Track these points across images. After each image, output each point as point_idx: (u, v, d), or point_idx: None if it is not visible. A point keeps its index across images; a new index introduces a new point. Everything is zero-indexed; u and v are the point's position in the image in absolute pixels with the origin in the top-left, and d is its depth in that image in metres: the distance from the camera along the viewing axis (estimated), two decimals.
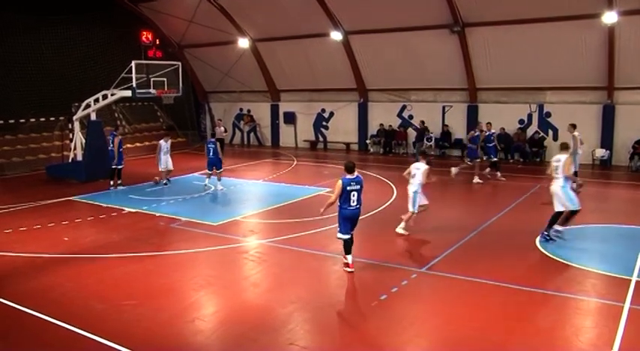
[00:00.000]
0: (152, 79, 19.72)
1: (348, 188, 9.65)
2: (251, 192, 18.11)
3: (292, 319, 8.10)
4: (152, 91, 19.64)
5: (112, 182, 18.28)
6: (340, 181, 9.66)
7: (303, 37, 26.81)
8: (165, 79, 20.16)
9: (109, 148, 18.46)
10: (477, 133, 19.46)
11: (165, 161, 18.58)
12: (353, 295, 9.14)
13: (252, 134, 31.91)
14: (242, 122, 31.99)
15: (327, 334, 7.70)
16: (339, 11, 25.08)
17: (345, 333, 7.69)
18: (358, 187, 9.76)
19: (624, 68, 21.18)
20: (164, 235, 12.90)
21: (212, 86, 32.33)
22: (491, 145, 19.37)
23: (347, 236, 9.80)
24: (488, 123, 20.04)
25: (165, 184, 18.63)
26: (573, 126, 17.67)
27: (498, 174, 19.32)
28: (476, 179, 18.85)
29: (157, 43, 29.96)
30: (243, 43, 28.34)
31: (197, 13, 27.11)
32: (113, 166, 18.23)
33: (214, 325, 7.94)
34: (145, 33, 29.17)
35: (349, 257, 9.81)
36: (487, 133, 19.41)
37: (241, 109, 32.22)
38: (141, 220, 14.14)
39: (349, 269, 9.77)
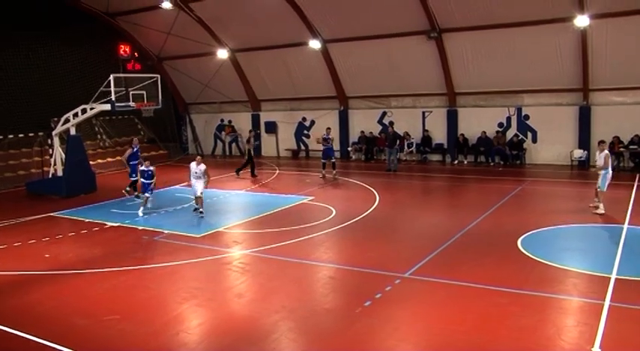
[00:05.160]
0: (131, 92, 19.60)
1: None
2: (234, 202, 18.06)
3: (277, 328, 8.10)
4: (131, 104, 19.51)
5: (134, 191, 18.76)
6: None
7: (282, 46, 26.90)
8: (144, 92, 20.04)
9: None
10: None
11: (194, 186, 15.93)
12: (337, 303, 9.13)
13: (233, 145, 31.83)
14: (223, 133, 31.93)
15: (312, 343, 7.71)
16: (317, 20, 25.20)
17: (330, 340, 7.69)
18: None
19: (598, 70, 21.49)
20: (147, 248, 12.83)
21: (192, 98, 32.26)
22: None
23: None
24: (328, 128, 22.96)
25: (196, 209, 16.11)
26: None
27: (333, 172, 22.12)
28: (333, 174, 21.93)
29: (136, 55, 29.87)
30: (222, 53, 28.34)
31: (175, 25, 27.07)
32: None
33: (199, 338, 7.92)
34: (122, 46, 29.03)
35: None
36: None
37: (222, 120, 32.15)
38: (123, 234, 14.03)
39: None
